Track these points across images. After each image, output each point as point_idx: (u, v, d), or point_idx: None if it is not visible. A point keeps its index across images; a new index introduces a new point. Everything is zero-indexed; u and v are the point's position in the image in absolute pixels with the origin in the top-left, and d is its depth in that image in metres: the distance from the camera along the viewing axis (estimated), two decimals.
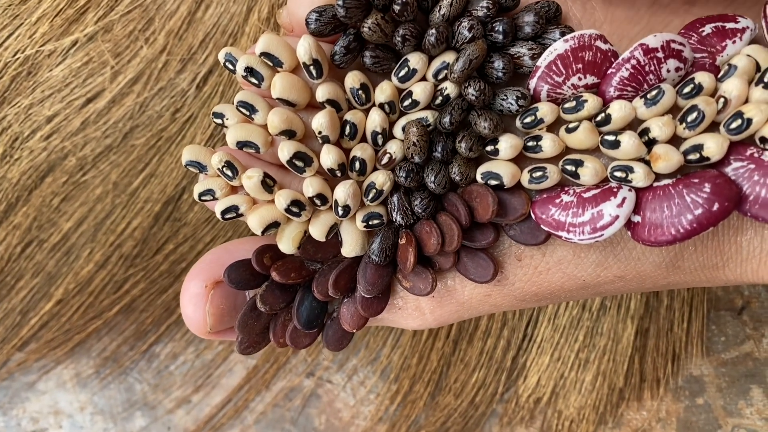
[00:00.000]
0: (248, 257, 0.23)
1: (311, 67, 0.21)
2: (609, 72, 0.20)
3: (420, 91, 0.21)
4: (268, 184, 0.22)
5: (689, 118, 0.19)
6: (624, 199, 0.20)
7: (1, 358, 0.38)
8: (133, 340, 0.38)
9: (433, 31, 0.21)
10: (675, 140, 0.20)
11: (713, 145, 0.19)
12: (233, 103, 0.22)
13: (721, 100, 0.19)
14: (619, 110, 0.20)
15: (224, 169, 0.22)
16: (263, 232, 0.22)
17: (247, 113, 0.22)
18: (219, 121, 0.23)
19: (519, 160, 0.21)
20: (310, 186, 0.22)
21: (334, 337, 0.24)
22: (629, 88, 0.20)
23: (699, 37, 0.21)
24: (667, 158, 0.19)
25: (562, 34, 0.21)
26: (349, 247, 0.23)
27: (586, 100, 0.20)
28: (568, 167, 0.20)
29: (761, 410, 0.36)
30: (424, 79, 0.22)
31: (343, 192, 0.22)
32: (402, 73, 0.22)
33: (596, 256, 0.22)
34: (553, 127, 0.21)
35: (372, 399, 0.38)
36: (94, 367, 0.39)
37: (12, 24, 0.31)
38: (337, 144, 0.22)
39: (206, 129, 0.33)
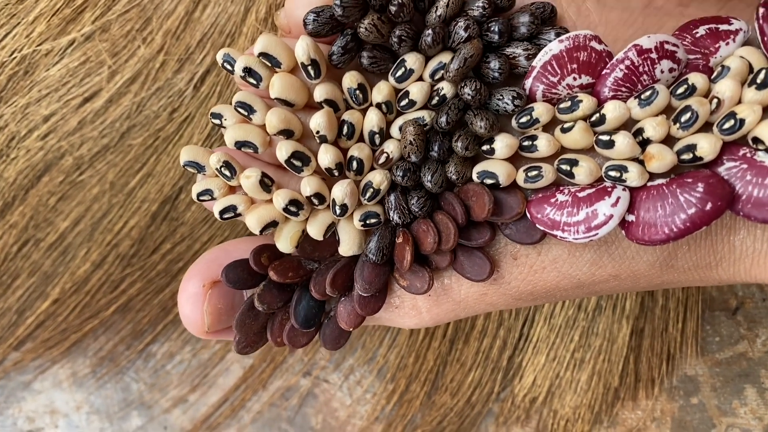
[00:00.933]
0: (246, 257, 0.23)
1: (309, 68, 0.21)
2: (604, 72, 0.21)
3: (417, 91, 0.22)
4: (266, 183, 0.22)
5: (683, 119, 0.20)
6: (618, 198, 0.20)
7: None
8: (130, 339, 0.38)
9: (430, 31, 0.21)
10: (669, 140, 0.20)
11: (706, 145, 0.19)
12: (231, 104, 0.22)
13: (715, 100, 0.20)
14: (613, 110, 0.20)
15: (222, 169, 0.22)
16: (261, 232, 0.22)
17: (246, 113, 0.22)
18: (217, 121, 0.23)
19: (515, 160, 0.22)
20: (308, 185, 0.22)
21: (332, 336, 0.24)
22: (623, 89, 0.20)
23: (693, 39, 0.21)
24: (660, 158, 0.19)
25: (557, 35, 0.21)
26: (347, 246, 0.23)
27: (581, 101, 0.20)
28: (563, 167, 0.21)
29: (755, 410, 0.36)
30: (420, 79, 0.22)
31: (340, 191, 0.22)
32: (399, 73, 0.22)
33: (591, 255, 0.22)
34: (548, 127, 0.21)
35: (368, 398, 0.38)
36: (91, 366, 0.39)
37: (9, 23, 0.31)
38: (334, 144, 0.22)
39: (203, 129, 0.33)
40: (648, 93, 0.20)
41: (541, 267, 0.22)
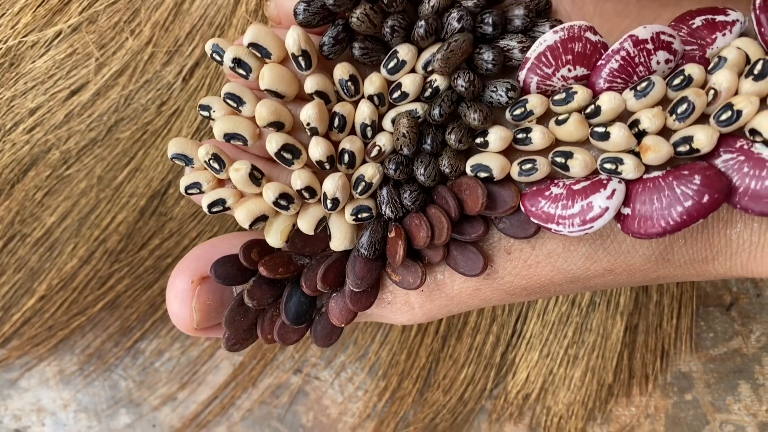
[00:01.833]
0: (235, 252, 0.23)
1: (300, 58, 0.21)
2: (599, 63, 0.20)
3: (409, 83, 0.21)
4: (256, 176, 0.22)
5: (679, 110, 0.19)
6: (614, 190, 0.20)
7: None
8: (118, 336, 0.38)
9: (423, 22, 0.21)
10: (665, 132, 0.20)
11: (703, 137, 0.19)
12: (220, 96, 0.22)
13: (711, 92, 0.19)
14: (608, 102, 0.20)
15: (211, 161, 0.22)
16: (251, 226, 0.22)
17: (235, 105, 0.22)
18: (206, 113, 0.22)
19: (509, 153, 0.21)
20: (299, 179, 0.21)
21: (323, 333, 0.24)
22: (619, 80, 0.20)
23: (689, 30, 0.21)
24: (656, 149, 0.19)
25: (552, 27, 0.21)
26: (338, 241, 0.23)
27: (575, 92, 0.20)
28: (558, 159, 0.20)
29: (749, 406, 0.36)
30: (413, 71, 0.22)
31: (331, 185, 0.21)
32: (391, 64, 0.21)
33: (586, 249, 0.22)
34: (542, 119, 0.21)
35: (360, 396, 0.38)
36: (78, 363, 0.38)
37: None
38: (325, 136, 0.22)
39: (192, 122, 0.32)
40: (644, 84, 0.20)
41: (536, 261, 0.22)
